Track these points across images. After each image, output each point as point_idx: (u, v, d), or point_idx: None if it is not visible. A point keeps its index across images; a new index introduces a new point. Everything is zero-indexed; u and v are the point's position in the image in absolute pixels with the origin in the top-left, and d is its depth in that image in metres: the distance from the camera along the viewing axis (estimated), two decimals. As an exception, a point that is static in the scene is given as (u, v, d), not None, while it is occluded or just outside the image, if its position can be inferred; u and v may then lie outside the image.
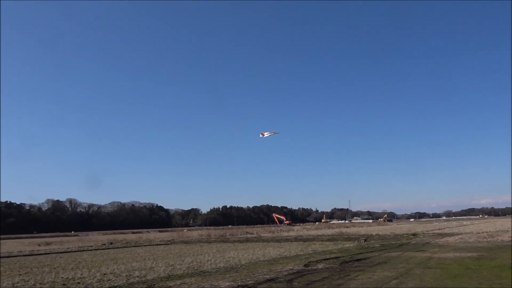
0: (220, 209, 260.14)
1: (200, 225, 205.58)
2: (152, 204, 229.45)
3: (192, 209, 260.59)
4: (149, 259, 25.20)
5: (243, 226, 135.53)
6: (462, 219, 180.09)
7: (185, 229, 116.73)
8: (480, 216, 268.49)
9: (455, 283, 12.32)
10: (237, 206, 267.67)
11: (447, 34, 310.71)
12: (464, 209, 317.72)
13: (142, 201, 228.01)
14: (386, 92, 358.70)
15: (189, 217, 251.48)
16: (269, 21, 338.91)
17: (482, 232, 38.25)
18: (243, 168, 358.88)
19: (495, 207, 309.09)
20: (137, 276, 16.33)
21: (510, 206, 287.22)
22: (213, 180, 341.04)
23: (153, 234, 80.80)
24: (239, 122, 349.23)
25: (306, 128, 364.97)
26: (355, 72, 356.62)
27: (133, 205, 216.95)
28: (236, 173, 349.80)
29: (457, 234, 39.06)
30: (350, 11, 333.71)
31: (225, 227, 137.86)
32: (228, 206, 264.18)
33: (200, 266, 19.45)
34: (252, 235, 59.19)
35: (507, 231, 37.73)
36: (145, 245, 44.60)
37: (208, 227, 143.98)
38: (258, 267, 18.03)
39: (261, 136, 56.54)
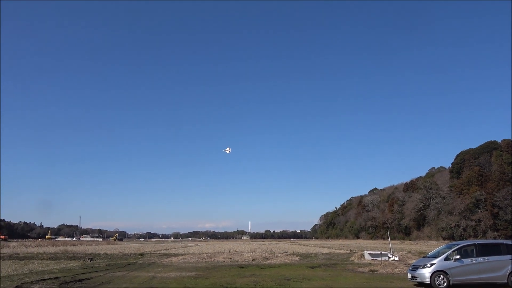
0: None
1: None
2: None
3: None
4: None
5: None
6: (188, 241, 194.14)
7: None
8: (203, 238, 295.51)
9: (172, 301, 12.99)
10: None
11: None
12: (191, 231, 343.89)
13: None
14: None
15: None
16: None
17: (203, 253, 41.84)
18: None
19: (216, 230, 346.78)
20: None
21: (228, 230, 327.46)
22: None
23: None
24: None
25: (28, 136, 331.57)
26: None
27: None
28: None
29: (181, 254, 41.64)
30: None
31: None
32: None
33: None
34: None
35: (223, 252, 42.52)
36: None
37: None
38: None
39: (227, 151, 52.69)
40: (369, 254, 33.67)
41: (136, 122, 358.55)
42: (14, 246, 69.94)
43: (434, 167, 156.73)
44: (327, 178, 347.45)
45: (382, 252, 33.85)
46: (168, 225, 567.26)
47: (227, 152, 55.28)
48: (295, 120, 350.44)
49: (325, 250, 52.85)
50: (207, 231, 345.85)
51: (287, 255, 39.43)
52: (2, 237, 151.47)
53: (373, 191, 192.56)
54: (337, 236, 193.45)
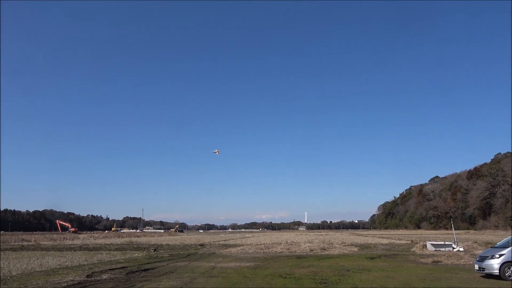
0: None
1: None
2: None
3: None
4: None
5: (19, 233, 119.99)
6: (245, 232, 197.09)
7: None
8: (260, 229, 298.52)
9: (233, 291, 13.30)
10: (14, 210, 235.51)
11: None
12: (248, 222, 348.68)
13: None
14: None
15: None
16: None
17: (260, 244, 42.37)
18: (24, 168, 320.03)
19: (273, 222, 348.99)
20: None
21: (285, 221, 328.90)
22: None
23: None
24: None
25: (96, 132, 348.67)
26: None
27: None
28: (15, 172, 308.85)
29: (240, 245, 42.37)
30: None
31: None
32: (1, 209, 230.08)
33: (-45, 278, 16.30)
34: (29, 243, 52.77)
35: (280, 243, 42.78)
36: None
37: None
38: (32, 279, 16.09)
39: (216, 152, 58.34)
40: (432, 244, 32.49)
41: (195, 116, 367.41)
42: (84, 238, 74.50)
43: (500, 153, 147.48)
44: (384, 167, 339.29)
45: (446, 243, 32.54)
46: (226, 216, 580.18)
47: (216, 153, 56.44)
48: (352, 112, 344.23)
49: (385, 241, 51.69)
50: (263, 222, 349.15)
51: (345, 245, 38.98)
52: (73, 229, 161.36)
53: (434, 180, 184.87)
54: (397, 227, 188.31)
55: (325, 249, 33.84)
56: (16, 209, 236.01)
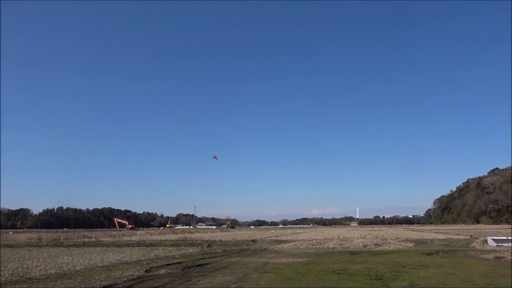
0: (55, 210, 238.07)
1: (29, 228, 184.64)
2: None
3: (21, 209, 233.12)
4: (-39, 265, 21.66)
5: (81, 230, 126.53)
6: (296, 228, 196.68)
7: (11, 231, 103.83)
8: (311, 225, 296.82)
9: (287, 286, 13.33)
10: (75, 208, 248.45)
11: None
12: (298, 218, 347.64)
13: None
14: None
15: (17, 218, 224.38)
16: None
17: (312, 240, 42.10)
18: (83, 168, 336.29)
19: (324, 217, 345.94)
20: None
21: (336, 217, 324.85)
22: (47, 178, 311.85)
23: (-32, 237, 69.75)
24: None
25: (151, 131, 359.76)
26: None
27: None
28: (74, 172, 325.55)
29: (291, 241, 42.33)
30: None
31: (59, 230, 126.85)
32: (64, 208, 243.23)
33: (27, 272, 17.44)
34: (90, 239, 55.43)
35: (332, 239, 42.33)
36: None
37: (40, 230, 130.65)
38: (94, 273, 16.93)
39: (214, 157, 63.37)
40: (493, 239, 30.94)
41: (249, 113, 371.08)
42: (141, 234, 77.40)
43: None
44: (439, 160, 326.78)
45: (509, 238, 30.89)
46: (276, 212, 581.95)
47: (215, 158, 57.23)
48: (407, 105, 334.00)
49: (442, 236, 49.83)
50: (314, 217, 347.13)
51: (400, 241, 37.98)
52: (130, 226, 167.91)
53: (494, 172, 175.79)
54: (454, 221, 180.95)
55: (379, 245, 33.11)
56: (77, 208, 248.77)
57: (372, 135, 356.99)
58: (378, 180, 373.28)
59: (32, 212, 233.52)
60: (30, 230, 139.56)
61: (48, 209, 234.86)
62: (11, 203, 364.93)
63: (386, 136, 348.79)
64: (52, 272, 17.55)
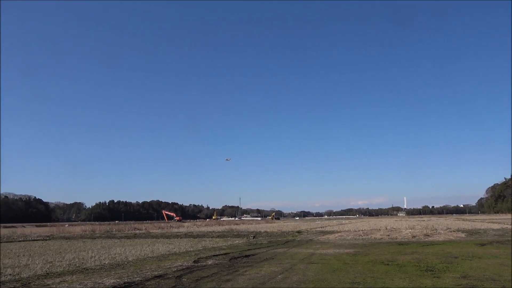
0: (107, 204, 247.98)
1: (83, 220, 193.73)
2: (29, 197, 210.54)
3: (75, 203, 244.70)
4: (24, 255, 23.04)
5: (131, 222, 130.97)
6: (342, 218, 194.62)
7: (67, 224, 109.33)
8: (357, 215, 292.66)
9: (334, 277, 13.24)
10: (125, 201, 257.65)
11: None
12: (344, 209, 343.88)
13: (16, 193, 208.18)
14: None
15: (72, 212, 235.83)
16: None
17: (358, 231, 41.58)
18: (132, 162, 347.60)
19: (370, 207, 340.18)
20: (10, 274, 14.84)
21: (382, 207, 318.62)
22: (99, 173, 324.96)
23: (29, 229, 74.07)
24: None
25: (193, 124, 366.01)
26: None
27: (6, 197, 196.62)
28: (124, 167, 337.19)
29: (337, 232, 41.99)
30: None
31: (111, 222, 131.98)
32: (115, 201, 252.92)
33: (82, 263, 18.33)
34: (140, 231, 57.39)
35: (379, 229, 41.59)
36: (19, 241, 40.72)
37: (93, 222, 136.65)
38: (146, 264, 17.55)
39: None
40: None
41: (293, 104, 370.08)
42: (188, 226, 79.21)
43: None
44: (491, 145, 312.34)
45: None
46: (320, 203, 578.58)
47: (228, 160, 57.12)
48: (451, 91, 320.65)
49: (496, 226, 47.73)
50: (360, 208, 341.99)
51: (450, 231, 36.77)
52: (177, 218, 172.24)
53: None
54: (509, 210, 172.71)
55: (428, 235, 32.22)
56: (127, 201, 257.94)
57: (421, 124, 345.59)
58: (428, 168, 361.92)
59: (85, 206, 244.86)
60: (84, 222, 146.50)
61: (100, 202, 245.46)
62: (66, 198, 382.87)
63: (438, 126, 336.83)
64: (106, 262, 18.34)
